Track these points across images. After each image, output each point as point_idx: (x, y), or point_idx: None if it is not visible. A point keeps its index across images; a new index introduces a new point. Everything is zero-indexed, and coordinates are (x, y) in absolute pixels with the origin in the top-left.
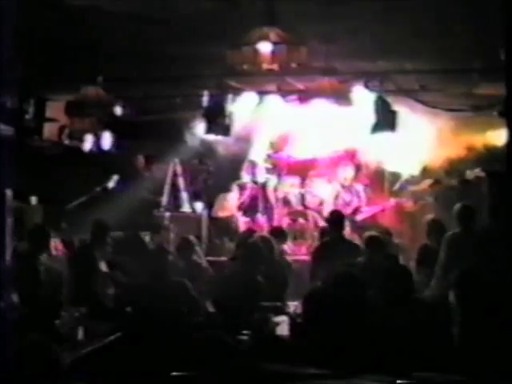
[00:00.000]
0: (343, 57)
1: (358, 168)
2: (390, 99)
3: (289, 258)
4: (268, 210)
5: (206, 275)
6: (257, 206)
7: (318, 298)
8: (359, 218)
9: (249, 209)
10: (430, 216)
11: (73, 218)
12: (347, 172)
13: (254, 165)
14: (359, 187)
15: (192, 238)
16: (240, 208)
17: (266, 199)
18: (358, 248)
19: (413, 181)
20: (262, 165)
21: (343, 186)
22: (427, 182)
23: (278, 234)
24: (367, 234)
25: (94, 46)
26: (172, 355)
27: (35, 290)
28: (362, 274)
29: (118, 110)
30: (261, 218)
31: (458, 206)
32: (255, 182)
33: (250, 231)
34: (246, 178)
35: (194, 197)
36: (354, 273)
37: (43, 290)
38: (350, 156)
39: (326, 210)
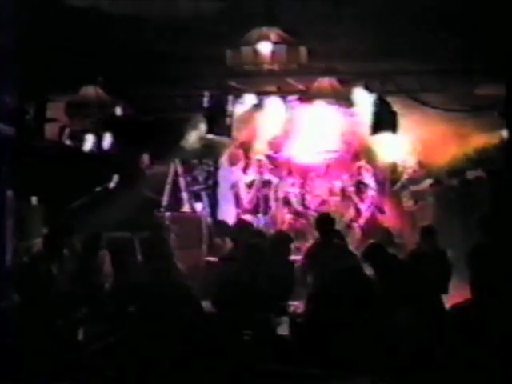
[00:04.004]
0: (343, 57)
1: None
2: (390, 100)
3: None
4: (270, 210)
5: (179, 276)
6: (259, 206)
7: (320, 297)
8: None
9: (254, 208)
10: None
11: (73, 218)
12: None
13: (261, 163)
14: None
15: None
16: (247, 207)
17: (268, 199)
18: (348, 251)
19: (413, 181)
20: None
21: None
22: (428, 182)
23: (283, 237)
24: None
25: (94, 46)
26: (173, 354)
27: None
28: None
29: (118, 110)
30: (262, 217)
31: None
32: (263, 181)
33: (244, 223)
34: (253, 176)
35: (194, 197)
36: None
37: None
38: (351, 156)
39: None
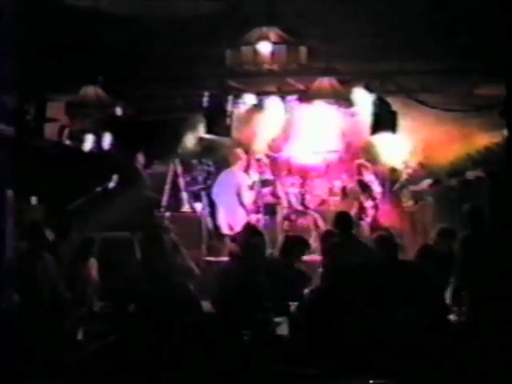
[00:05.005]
0: (343, 57)
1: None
2: (390, 100)
3: None
4: (270, 210)
5: (192, 276)
6: (259, 206)
7: (319, 297)
8: None
9: (254, 208)
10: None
11: (73, 219)
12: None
13: (260, 163)
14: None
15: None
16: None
17: (268, 199)
18: (368, 247)
19: (413, 181)
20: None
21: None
22: (427, 182)
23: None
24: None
25: (94, 46)
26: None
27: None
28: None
29: (118, 110)
30: (262, 217)
31: (467, 206)
32: (263, 181)
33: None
34: (253, 176)
35: (194, 197)
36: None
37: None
38: (350, 156)
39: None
